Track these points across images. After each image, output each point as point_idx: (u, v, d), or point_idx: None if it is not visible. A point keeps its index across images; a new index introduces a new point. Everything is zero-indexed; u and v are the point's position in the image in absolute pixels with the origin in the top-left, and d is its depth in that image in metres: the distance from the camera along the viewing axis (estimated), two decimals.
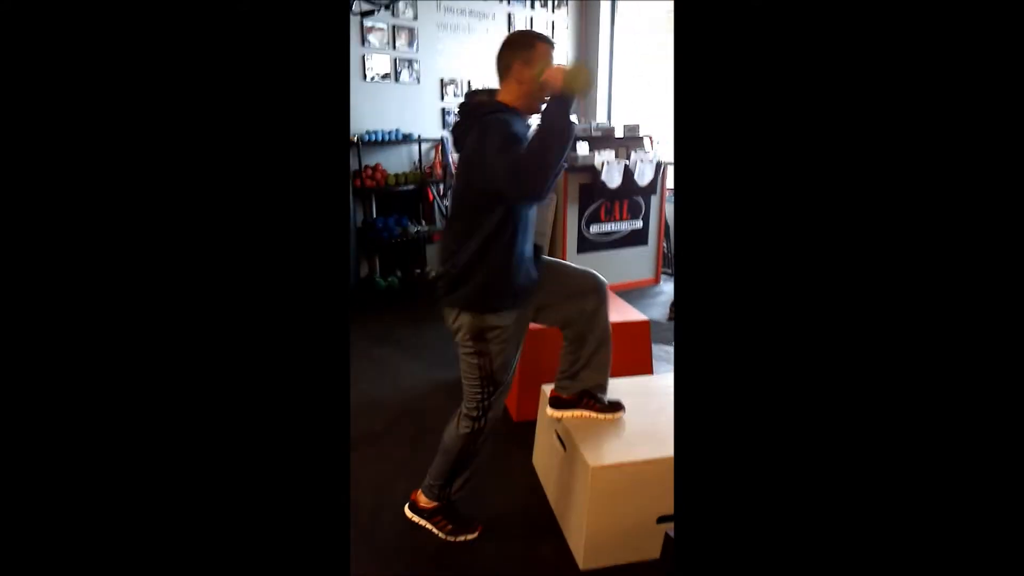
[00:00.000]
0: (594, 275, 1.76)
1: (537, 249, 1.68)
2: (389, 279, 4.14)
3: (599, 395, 1.80)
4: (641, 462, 1.62)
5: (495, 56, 1.57)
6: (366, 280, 4.17)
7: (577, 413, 1.80)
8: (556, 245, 4.05)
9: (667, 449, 1.65)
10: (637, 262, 4.30)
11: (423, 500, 1.75)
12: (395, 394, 2.69)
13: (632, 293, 4.12)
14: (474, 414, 1.64)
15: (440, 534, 1.73)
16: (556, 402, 1.82)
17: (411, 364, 3.01)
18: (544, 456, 2.03)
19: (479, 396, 1.62)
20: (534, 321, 1.75)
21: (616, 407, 1.81)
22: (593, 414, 1.79)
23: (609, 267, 4.15)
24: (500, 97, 1.55)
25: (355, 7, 3.84)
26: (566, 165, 1.50)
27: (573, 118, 1.40)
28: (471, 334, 1.57)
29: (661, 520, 1.65)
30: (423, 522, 1.75)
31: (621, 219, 4.16)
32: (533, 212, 1.63)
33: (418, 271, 4.37)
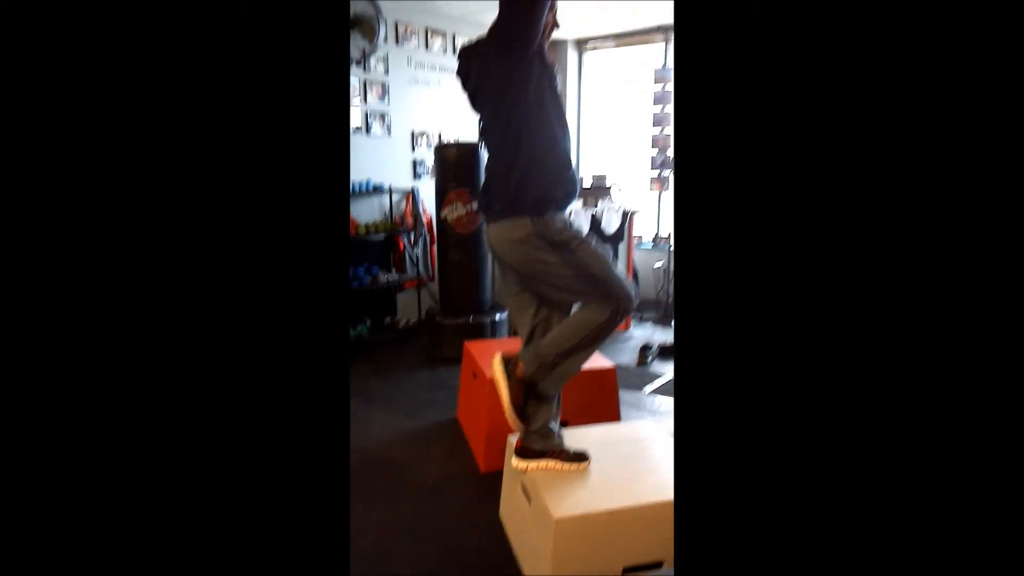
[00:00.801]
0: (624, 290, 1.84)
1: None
2: (358, 328, 4.12)
3: (564, 447, 1.81)
4: (606, 512, 1.61)
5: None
6: None
7: (543, 464, 1.79)
8: None
9: (633, 498, 1.65)
10: None
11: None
12: (363, 446, 2.64)
13: None
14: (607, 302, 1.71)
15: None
16: (522, 452, 1.81)
17: (379, 415, 2.97)
18: (510, 508, 2.00)
19: (604, 293, 1.69)
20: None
21: (581, 457, 1.81)
22: (559, 464, 1.79)
23: None
24: None
25: None
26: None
27: None
28: (544, 242, 1.62)
29: (627, 571, 1.64)
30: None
31: None
32: (565, 120, 1.70)
33: (388, 319, 4.36)
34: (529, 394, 1.79)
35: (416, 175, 4.58)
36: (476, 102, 1.78)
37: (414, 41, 4.45)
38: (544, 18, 1.56)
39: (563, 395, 2.42)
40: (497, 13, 1.59)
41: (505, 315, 4.03)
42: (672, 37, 4.95)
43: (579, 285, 1.69)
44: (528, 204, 1.62)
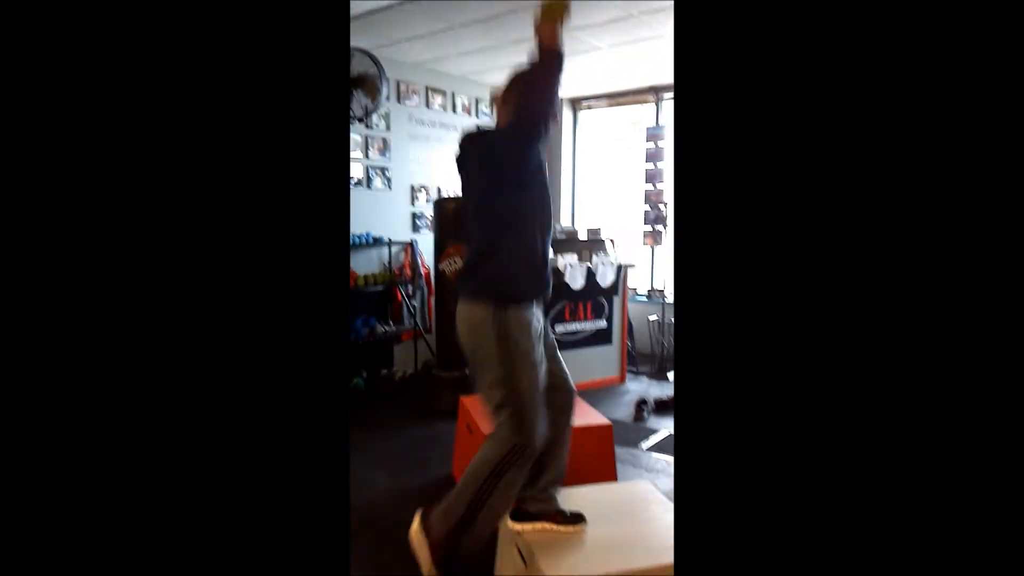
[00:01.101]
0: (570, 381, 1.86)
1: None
2: (354, 380, 4.10)
3: (561, 508, 1.79)
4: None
5: (499, 94, 1.77)
6: None
7: (539, 526, 1.77)
8: None
9: (630, 561, 1.62)
10: (602, 361, 4.36)
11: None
12: (355, 505, 2.60)
13: (599, 392, 4.13)
14: (510, 427, 1.65)
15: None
16: (517, 514, 1.79)
17: (372, 472, 2.93)
18: (505, 567, 1.96)
19: (510, 414, 1.65)
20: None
21: (578, 519, 1.79)
22: (554, 526, 1.77)
23: (575, 366, 4.16)
24: (500, 124, 1.77)
25: None
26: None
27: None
28: (494, 331, 1.62)
29: None
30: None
31: (585, 319, 4.25)
32: (549, 215, 1.74)
33: (384, 371, 4.35)
34: (456, 552, 1.70)
35: (415, 228, 4.65)
36: (468, 189, 1.82)
37: (415, 99, 4.60)
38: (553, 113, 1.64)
39: None
40: (512, 109, 1.66)
41: None
42: (663, 97, 5.13)
43: (499, 393, 1.67)
44: (494, 294, 1.65)
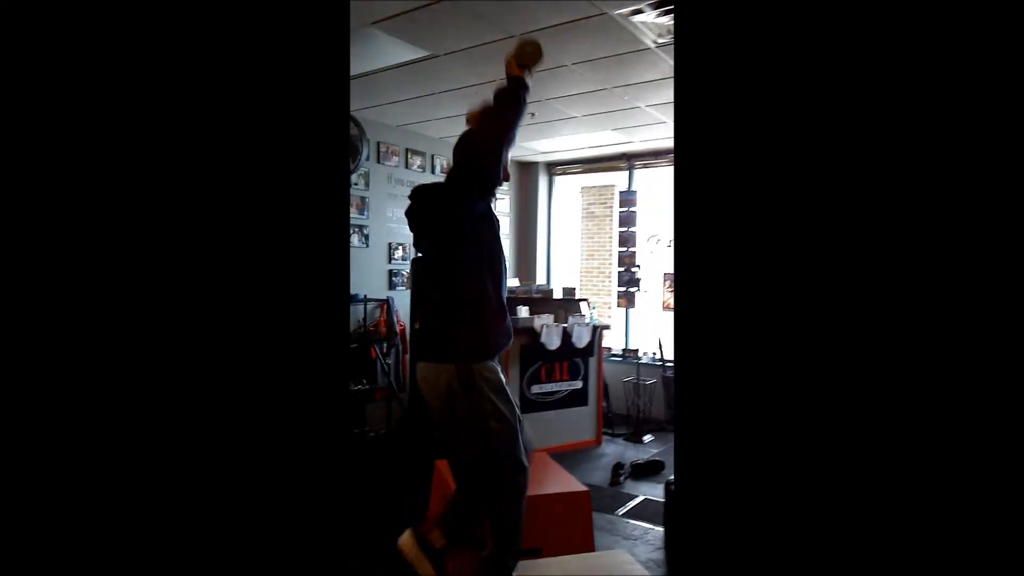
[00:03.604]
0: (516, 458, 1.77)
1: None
2: None
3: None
4: None
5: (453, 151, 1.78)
6: None
7: None
8: None
9: None
10: (578, 423, 4.32)
11: None
12: None
13: (576, 455, 4.08)
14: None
15: None
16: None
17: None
18: None
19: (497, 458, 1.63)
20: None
21: None
22: None
23: (551, 428, 4.14)
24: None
25: None
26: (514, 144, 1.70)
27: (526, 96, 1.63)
28: (459, 387, 1.59)
29: None
30: None
31: (561, 379, 4.24)
32: (500, 265, 1.73)
33: (356, 430, 4.24)
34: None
35: (392, 285, 4.64)
36: (421, 245, 1.83)
37: (395, 160, 4.68)
38: (503, 166, 1.67)
39: (535, 522, 2.35)
40: (455, 161, 1.69)
41: None
42: (635, 165, 5.31)
43: (473, 451, 1.68)
44: (458, 352, 1.65)
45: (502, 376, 1.72)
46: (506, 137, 1.62)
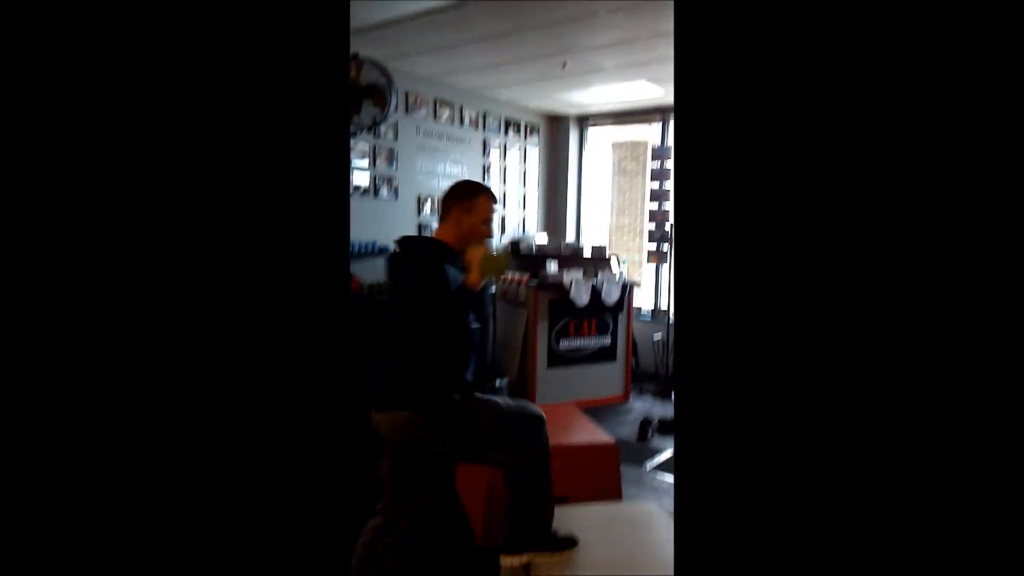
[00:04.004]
0: (530, 413, 1.74)
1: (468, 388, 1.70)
2: None
3: (550, 535, 1.76)
4: None
5: (440, 199, 1.74)
6: None
7: (528, 557, 1.73)
8: (526, 358, 4.06)
9: None
10: (607, 379, 4.32)
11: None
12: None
13: (603, 410, 4.09)
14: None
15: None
16: (507, 544, 1.75)
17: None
18: None
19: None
20: (477, 462, 1.78)
21: (569, 543, 1.75)
22: (545, 555, 1.73)
23: (579, 383, 4.15)
24: (438, 234, 1.70)
25: None
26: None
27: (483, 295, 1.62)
28: (413, 432, 1.60)
29: None
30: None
31: (590, 335, 4.23)
32: (467, 347, 1.67)
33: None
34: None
35: None
36: (393, 296, 1.68)
37: (423, 111, 4.61)
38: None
39: (564, 471, 2.37)
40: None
41: (504, 381, 3.99)
42: (669, 118, 5.14)
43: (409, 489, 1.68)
44: (411, 400, 1.60)
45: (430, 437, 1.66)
46: (452, 322, 1.56)
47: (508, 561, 1.74)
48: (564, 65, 4.02)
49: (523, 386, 4.09)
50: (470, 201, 1.66)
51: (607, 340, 4.31)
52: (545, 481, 1.73)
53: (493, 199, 1.69)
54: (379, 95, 4.01)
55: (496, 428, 1.68)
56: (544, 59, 3.93)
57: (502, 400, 1.78)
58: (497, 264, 1.62)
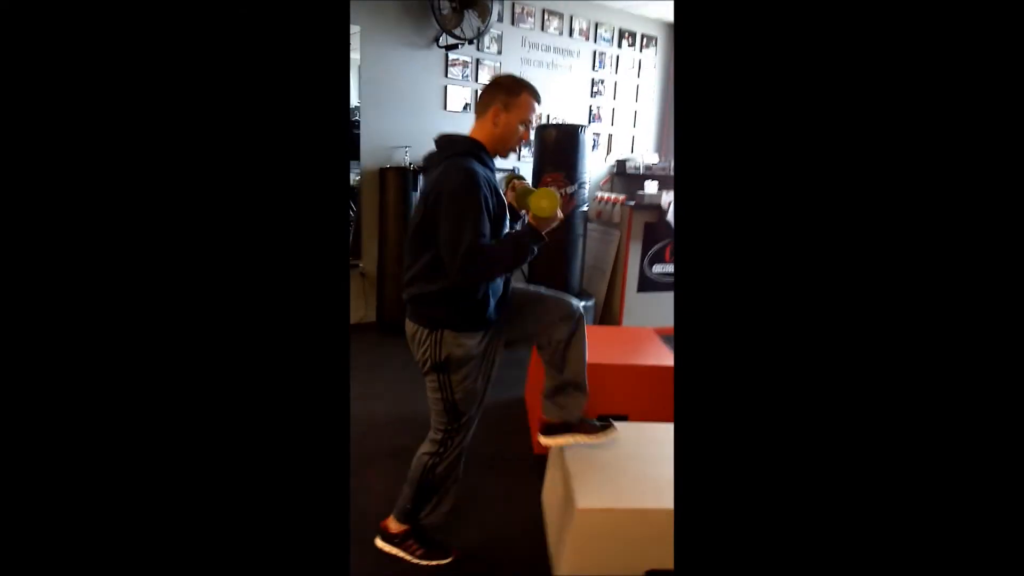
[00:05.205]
0: (568, 303, 1.72)
1: (506, 281, 1.68)
2: None
3: (586, 419, 1.80)
4: (633, 510, 1.57)
5: (479, 96, 1.62)
6: None
7: (568, 438, 1.78)
8: (616, 281, 4.00)
9: (665, 501, 1.59)
10: None
11: (393, 525, 1.77)
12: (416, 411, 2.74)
13: None
14: (437, 438, 1.66)
15: (410, 559, 1.74)
16: (546, 428, 1.80)
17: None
18: (549, 492, 2.00)
19: (442, 424, 1.65)
20: (508, 347, 1.75)
21: (605, 427, 1.79)
22: (583, 437, 1.77)
23: (668, 309, 4.05)
24: (473, 133, 1.57)
25: (441, 40, 4.06)
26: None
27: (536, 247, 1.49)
28: (433, 359, 1.56)
29: (650, 574, 1.59)
30: (393, 549, 1.76)
31: None
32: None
33: None
34: (424, 535, 1.78)
35: (518, 156, 4.61)
36: (424, 198, 1.56)
37: (530, 22, 4.46)
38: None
39: (624, 388, 2.38)
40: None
41: (591, 303, 3.98)
42: None
43: (439, 411, 1.64)
44: (428, 318, 1.55)
45: (473, 350, 1.59)
46: (496, 273, 1.48)
47: (546, 441, 1.81)
48: None
49: (610, 310, 4.06)
50: (511, 98, 1.54)
51: None
52: (576, 371, 1.74)
53: (537, 98, 1.57)
54: (481, 4, 3.94)
55: (531, 313, 1.69)
56: None
57: (544, 289, 1.78)
58: (545, 202, 1.47)
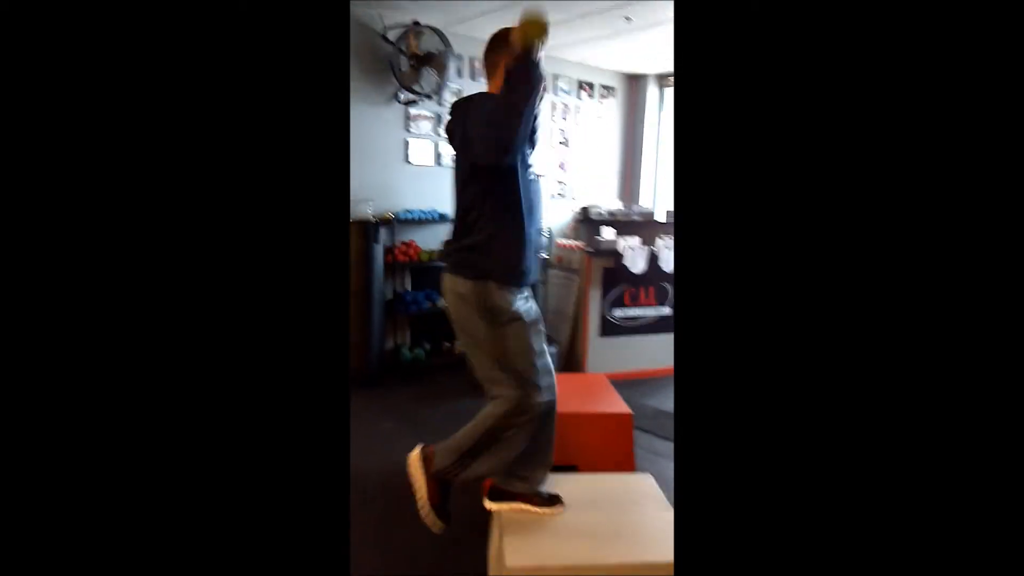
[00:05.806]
0: (527, 398, 1.70)
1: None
2: (415, 351, 4.24)
3: (539, 490, 1.77)
4: (564, 567, 1.55)
5: (483, 56, 1.74)
6: (392, 352, 4.29)
7: (515, 506, 1.76)
8: (578, 326, 4.03)
9: (601, 557, 1.57)
10: (661, 349, 4.18)
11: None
12: (381, 468, 2.71)
13: (656, 381, 3.99)
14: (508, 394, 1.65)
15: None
16: (492, 493, 1.79)
17: (410, 440, 3.02)
18: (491, 547, 1.97)
19: (508, 376, 1.65)
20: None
21: (555, 501, 1.76)
22: (530, 507, 1.75)
23: (632, 353, 4.07)
24: (490, 90, 1.71)
25: (401, 96, 4.17)
26: (538, 112, 1.57)
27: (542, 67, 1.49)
28: (478, 311, 1.61)
29: None
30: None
31: (647, 304, 4.10)
32: (540, 198, 1.71)
33: (447, 344, 4.46)
34: (448, 492, 1.77)
35: None
36: (459, 159, 1.70)
37: None
38: (524, 137, 1.50)
39: (575, 438, 2.37)
40: (472, 126, 1.56)
41: (554, 349, 3.99)
42: None
43: (493, 368, 1.66)
44: (475, 270, 1.61)
45: (525, 300, 1.69)
46: (520, 117, 1.46)
47: (492, 507, 1.79)
48: (628, 19, 3.85)
49: (574, 355, 4.07)
50: (511, 45, 1.57)
51: (666, 309, 4.16)
52: (543, 440, 1.76)
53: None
54: (438, 61, 4.07)
55: (512, 367, 1.67)
56: (607, 13, 3.78)
57: (539, 343, 1.72)
58: (533, 28, 1.45)
